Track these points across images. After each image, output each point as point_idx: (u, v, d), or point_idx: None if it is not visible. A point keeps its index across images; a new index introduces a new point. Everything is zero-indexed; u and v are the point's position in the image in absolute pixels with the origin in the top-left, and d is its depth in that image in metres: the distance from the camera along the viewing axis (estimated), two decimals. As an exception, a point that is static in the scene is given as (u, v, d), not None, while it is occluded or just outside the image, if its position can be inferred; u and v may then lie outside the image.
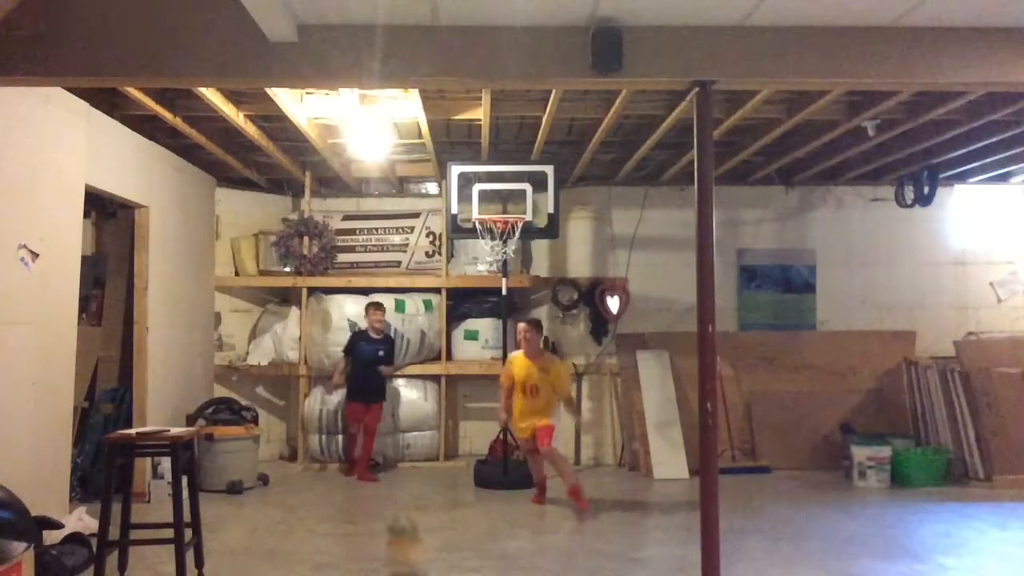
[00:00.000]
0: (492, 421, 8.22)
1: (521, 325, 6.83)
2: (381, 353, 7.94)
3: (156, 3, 4.11)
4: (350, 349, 8.01)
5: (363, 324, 8.16)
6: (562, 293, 8.82)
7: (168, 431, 4.66)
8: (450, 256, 8.95)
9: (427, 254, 8.92)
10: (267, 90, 5.53)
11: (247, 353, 8.85)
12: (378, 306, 8.06)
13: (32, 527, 4.11)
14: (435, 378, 8.77)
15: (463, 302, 8.99)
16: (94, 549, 4.40)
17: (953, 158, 7.77)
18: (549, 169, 7.62)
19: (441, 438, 8.67)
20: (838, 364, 8.54)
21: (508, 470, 7.46)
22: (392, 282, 8.76)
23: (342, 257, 8.94)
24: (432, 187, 9.43)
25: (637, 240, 8.83)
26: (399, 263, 8.95)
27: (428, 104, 6.28)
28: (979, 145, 7.22)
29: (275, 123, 7.06)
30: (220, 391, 8.48)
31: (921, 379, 8.09)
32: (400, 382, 8.58)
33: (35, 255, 5.02)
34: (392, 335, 8.26)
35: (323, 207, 9.21)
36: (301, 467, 8.42)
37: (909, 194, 8.59)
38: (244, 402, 8.02)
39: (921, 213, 8.68)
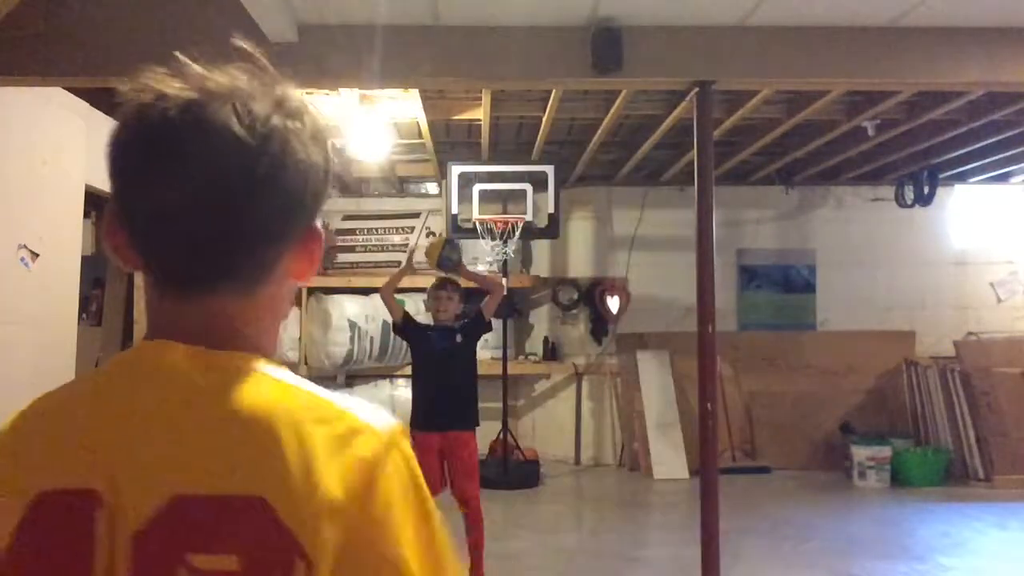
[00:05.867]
0: (493, 421, 8.21)
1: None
2: (460, 338, 4.80)
3: (156, 3, 4.11)
4: (403, 328, 4.90)
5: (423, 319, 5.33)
6: (562, 293, 8.82)
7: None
8: (450, 256, 8.93)
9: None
10: (267, 90, 5.52)
11: (247, 353, 8.84)
12: (444, 287, 4.93)
13: (32, 527, 4.11)
14: (435, 378, 8.74)
15: (463, 302, 8.97)
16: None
17: (953, 158, 7.76)
18: (549, 169, 7.62)
19: (441, 438, 8.65)
20: (838, 364, 8.53)
21: (508, 470, 7.46)
22: (392, 282, 8.75)
23: (342, 257, 8.94)
24: (432, 187, 9.42)
25: (637, 240, 8.82)
26: (399, 263, 8.92)
27: (428, 104, 6.27)
28: (979, 145, 7.21)
29: (275, 123, 7.04)
30: (220, 391, 8.46)
31: (921, 379, 8.09)
32: (400, 382, 8.56)
33: (35, 255, 5.02)
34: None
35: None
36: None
37: (909, 194, 8.58)
38: (244, 402, 8.01)
39: (921, 213, 8.66)
